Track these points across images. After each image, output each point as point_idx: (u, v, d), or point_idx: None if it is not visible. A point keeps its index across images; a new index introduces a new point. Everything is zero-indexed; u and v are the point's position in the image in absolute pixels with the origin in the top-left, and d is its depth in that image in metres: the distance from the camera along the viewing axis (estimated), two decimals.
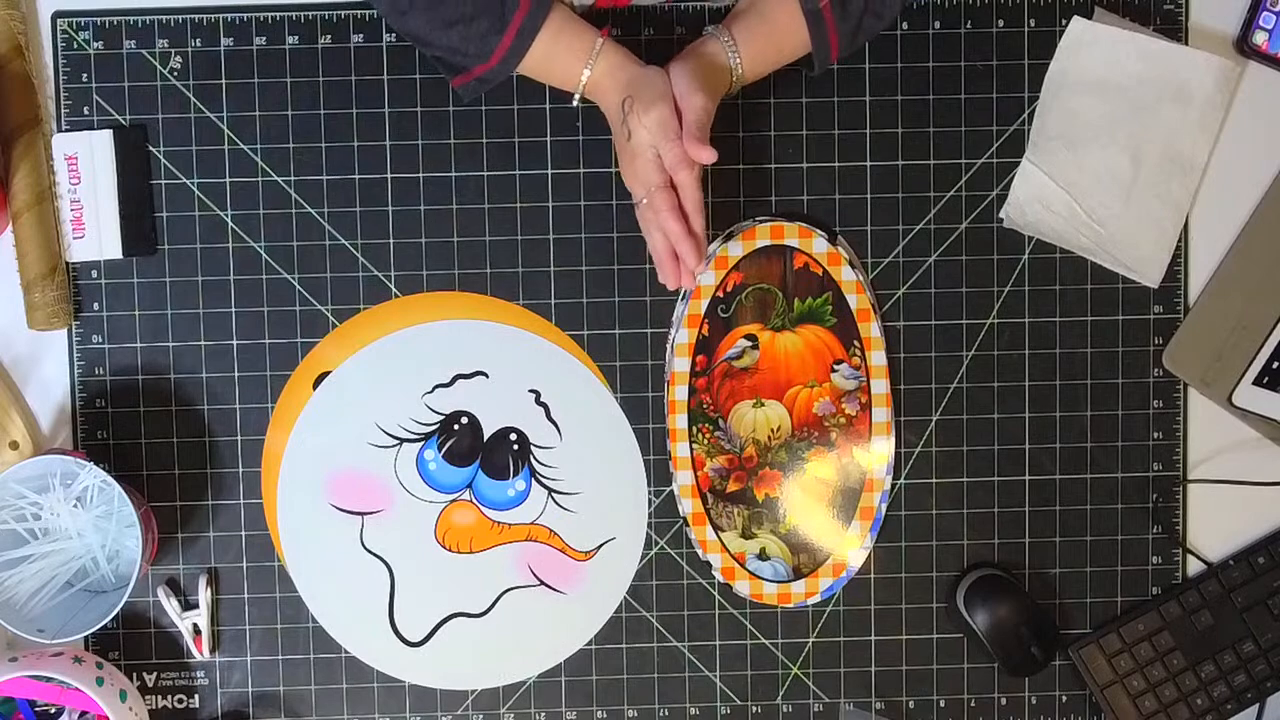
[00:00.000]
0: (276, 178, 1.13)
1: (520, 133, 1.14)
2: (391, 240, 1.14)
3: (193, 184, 1.13)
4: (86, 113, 1.13)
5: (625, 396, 1.15)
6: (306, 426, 1.14)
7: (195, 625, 1.14)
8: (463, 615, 1.15)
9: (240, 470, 1.14)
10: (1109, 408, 1.16)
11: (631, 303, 1.15)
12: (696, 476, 1.15)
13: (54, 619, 1.09)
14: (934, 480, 1.16)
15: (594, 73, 1.04)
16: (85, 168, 1.12)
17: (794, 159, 1.14)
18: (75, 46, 1.12)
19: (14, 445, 1.12)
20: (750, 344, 1.14)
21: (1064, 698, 1.17)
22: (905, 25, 1.14)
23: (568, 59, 1.04)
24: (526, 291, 1.15)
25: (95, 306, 1.13)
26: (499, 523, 1.15)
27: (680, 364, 1.14)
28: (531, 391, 1.15)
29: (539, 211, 1.14)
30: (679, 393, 1.14)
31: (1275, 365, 1.14)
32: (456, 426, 1.14)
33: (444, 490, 1.15)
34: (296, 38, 1.13)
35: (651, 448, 1.15)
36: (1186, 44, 1.15)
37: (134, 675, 1.15)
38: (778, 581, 1.16)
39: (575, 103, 1.06)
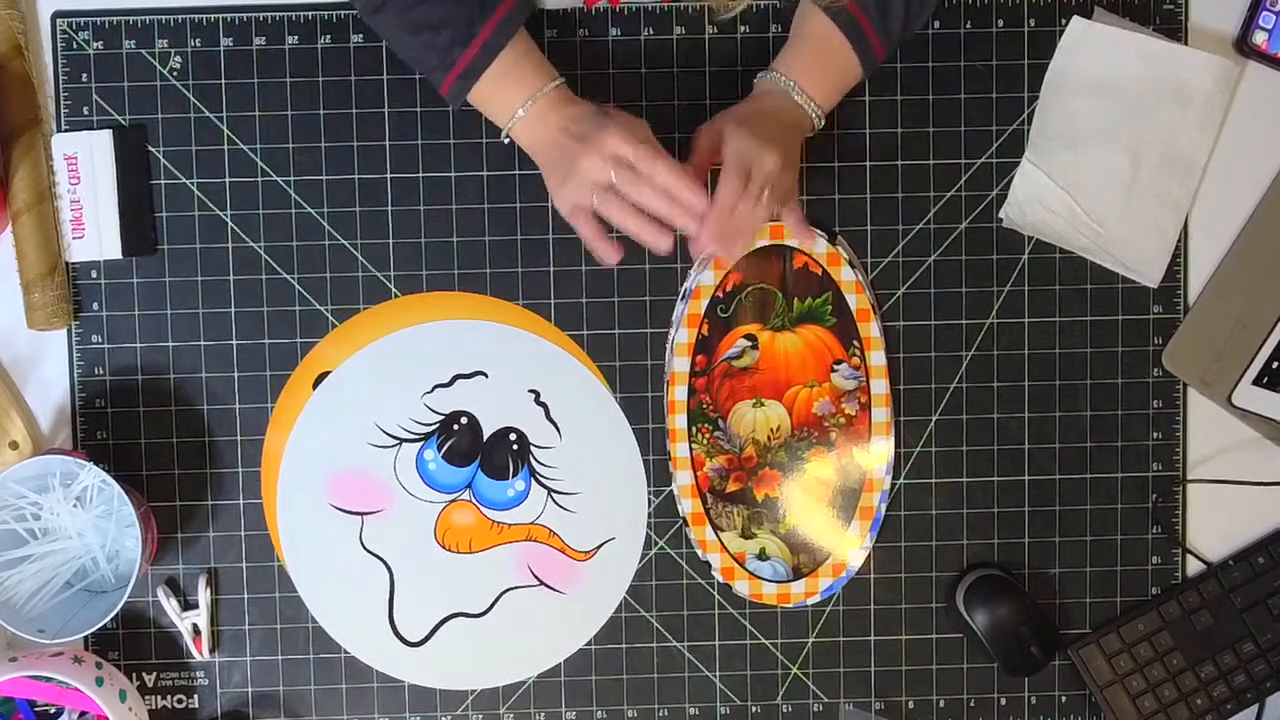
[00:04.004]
0: (276, 178, 1.13)
1: None
2: (391, 240, 1.14)
3: (193, 184, 1.13)
4: (86, 113, 1.13)
5: (625, 396, 1.15)
6: (306, 426, 1.14)
7: (195, 625, 1.14)
8: (462, 615, 1.15)
9: (240, 470, 1.14)
10: (1109, 408, 1.16)
11: (631, 303, 1.15)
12: (696, 476, 1.15)
13: (54, 619, 1.09)
14: (934, 480, 1.16)
15: (532, 110, 1.01)
16: (85, 168, 1.12)
17: None
18: (75, 46, 1.12)
19: (14, 445, 1.12)
20: (750, 344, 1.14)
21: (1064, 698, 1.17)
22: None
23: (517, 89, 1.02)
24: (526, 291, 1.15)
25: (95, 306, 1.13)
26: (499, 523, 1.15)
27: (680, 364, 1.14)
28: (531, 391, 1.15)
29: (539, 211, 1.14)
30: (679, 393, 1.14)
31: (1275, 365, 1.14)
32: (456, 426, 1.14)
33: (444, 490, 1.15)
34: (296, 38, 1.13)
35: (651, 448, 1.15)
36: (1186, 44, 1.15)
37: (134, 675, 1.15)
38: (777, 581, 1.16)
39: (504, 139, 1.04)
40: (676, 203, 0.98)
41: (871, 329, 1.14)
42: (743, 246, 1.01)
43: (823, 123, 1.06)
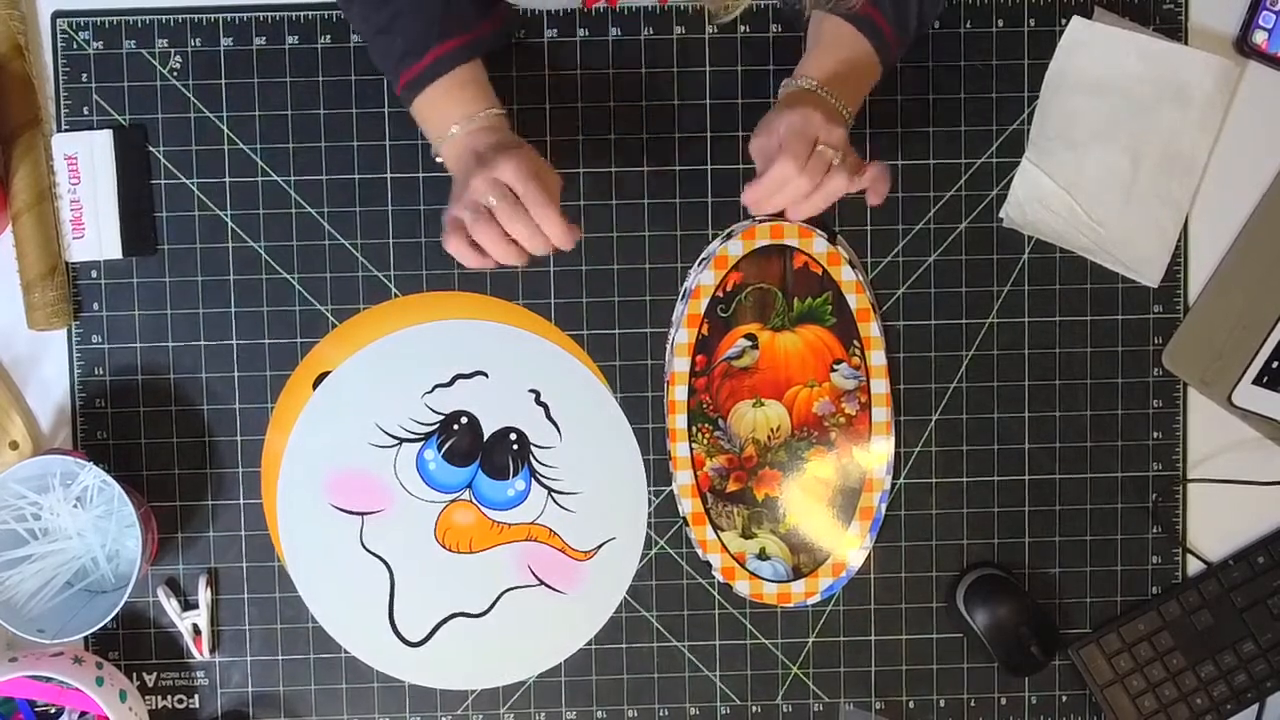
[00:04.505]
0: (276, 178, 1.13)
1: (521, 133, 1.13)
2: (391, 240, 1.14)
3: (193, 184, 1.13)
4: (86, 113, 1.13)
5: (625, 396, 1.15)
6: (306, 426, 1.14)
7: (195, 625, 1.14)
8: (463, 615, 1.15)
9: (240, 470, 1.14)
10: (1109, 407, 1.16)
11: (631, 303, 1.15)
12: (696, 476, 1.15)
13: (54, 619, 1.09)
14: (934, 480, 1.16)
15: (467, 129, 1.00)
16: (85, 168, 1.12)
17: None
18: (75, 46, 1.12)
19: (14, 445, 1.12)
20: (750, 344, 1.14)
21: (1064, 698, 1.17)
22: None
23: (456, 108, 1.00)
24: (526, 291, 1.15)
25: (95, 306, 1.13)
26: (499, 523, 1.15)
27: (680, 364, 1.14)
28: (531, 391, 1.15)
29: None
30: (679, 393, 1.14)
31: (1275, 365, 1.14)
32: (456, 426, 1.14)
33: (444, 490, 1.15)
34: (296, 38, 1.13)
35: (651, 447, 1.15)
36: (1186, 44, 1.15)
37: (134, 675, 1.15)
38: (777, 581, 1.16)
39: (434, 156, 1.02)
40: (543, 237, 0.95)
41: (871, 329, 1.14)
42: (814, 209, 0.97)
43: (853, 122, 1.03)
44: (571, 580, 1.16)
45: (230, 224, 1.13)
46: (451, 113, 1.00)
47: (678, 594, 1.16)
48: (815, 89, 1.01)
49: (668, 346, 1.15)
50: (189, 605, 1.14)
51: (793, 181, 0.95)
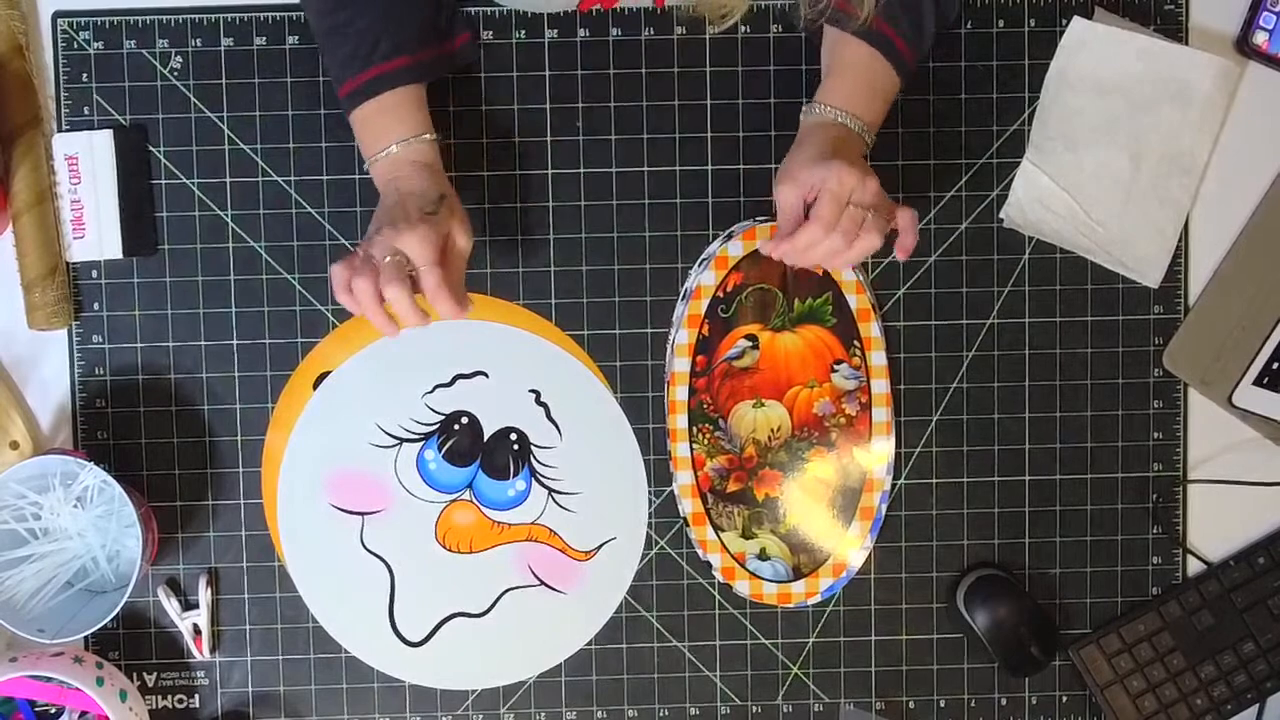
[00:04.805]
0: (276, 178, 1.13)
1: (521, 133, 1.14)
2: None
3: (193, 184, 1.13)
4: (86, 113, 1.13)
5: (625, 396, 1.15)
6: (307, 426, 1.14)
7: (195, 625, 1.14)
8: (463, 615, 1.15)
9: (240, 470, 1.14)
10: (1109, 408, 1.16)
11: (631, 303, 1.15)
12: (696, 476, 1.15)
13: (54, 619, 1.09)
14: (934, 480, 1.16)
15: (404, 149, 1.00)
16: (85, 168, 1.12)
17: None
18: (75, 46, 1.12)
19: (14, 445, 1.12)
20: (750, 344, 1.14)
21: (1064, 698, 1.17)
22: None
23: (398, 126, 1.01)
24: (526, 291, 1.15)
25: (95, 306, 1.13)
26: (499, 523, 1.15)
27: (680, 364, 1.14)
28: (531, 391, 1.15)
29: (539, 211, 1.14)
30: (679, 393, 1.14)
31: (1275, 365, 1.14)
32: (456, 426, 1.14)
33: (444, 490, 1.15)
34: (296, 38, 1.13)
35: (651, 448, 1.15)
36: (1186, 44, 1.15)
37: (134, 675, 1.15)
38: (778, 581, 1.16)
39: (367, 168, 1.02)
40: (419, 315, 0.96)
41: (872, 329, 1.14)
42: (846, 265, 0.99)
43: (874, 140, 1.04)
44: (571, 580, 1.16)
45: (231, 224, 1.13)
46: (385, 134, 1.01)
47: (678, 594, 1.16)
48: (839, 119, 1.02)
49: (668, 347, 1.15)
50: (189, 605, 1.14)
51: (825, 241, 0.96)
